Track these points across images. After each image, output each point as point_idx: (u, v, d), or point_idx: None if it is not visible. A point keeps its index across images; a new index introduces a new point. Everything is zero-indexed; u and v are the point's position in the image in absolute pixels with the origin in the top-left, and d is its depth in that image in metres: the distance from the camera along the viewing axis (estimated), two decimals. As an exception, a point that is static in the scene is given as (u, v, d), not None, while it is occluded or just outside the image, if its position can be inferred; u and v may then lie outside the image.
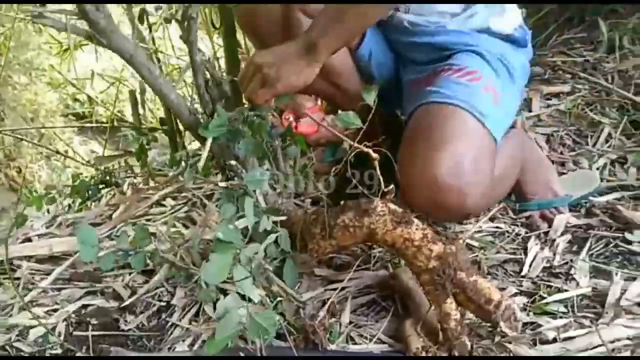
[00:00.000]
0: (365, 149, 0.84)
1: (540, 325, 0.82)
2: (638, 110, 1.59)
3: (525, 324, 0.83)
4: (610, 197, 1.25)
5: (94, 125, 4.97)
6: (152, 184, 1.35)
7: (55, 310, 0.82)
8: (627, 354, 0.76)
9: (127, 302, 0.84)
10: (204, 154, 0.91)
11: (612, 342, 0.77)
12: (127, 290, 0.86)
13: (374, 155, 0.84)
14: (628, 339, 0.78)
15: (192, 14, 0.92)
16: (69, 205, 1.32)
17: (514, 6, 1.19)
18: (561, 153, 1.49)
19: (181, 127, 2.15)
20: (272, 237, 0.85)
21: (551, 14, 2.14)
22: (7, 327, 0.78)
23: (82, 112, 6.74)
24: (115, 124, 3.69)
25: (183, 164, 1.33)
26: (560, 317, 0.84)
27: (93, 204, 1.33)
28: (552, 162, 1.40)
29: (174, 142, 2.39)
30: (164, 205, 1.12)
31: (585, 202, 1.22)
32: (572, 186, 1.26)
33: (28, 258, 0.92)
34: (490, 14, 1.13)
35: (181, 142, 2.78)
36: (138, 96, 2.39)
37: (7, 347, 0.78)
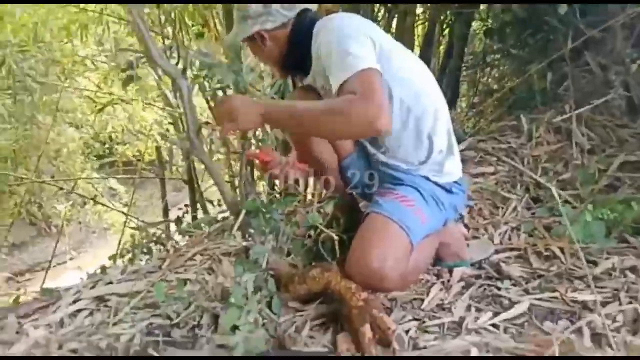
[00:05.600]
0: (331, 234, 1.42)
1: (417, 338, 1.36)
2: (540, 188, 2.15)
3: (411, 338, 1.37)
4: (501, 255, 1.79)
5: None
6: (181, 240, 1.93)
7: (134, 325, 1.39)
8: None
9: (175, 321, 1.41)
10: (237, 223, 1.50)
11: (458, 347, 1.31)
12: (174, 314, 1.43)
13: (336, 237, 1.42)
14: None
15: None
16: (130, 259, 1.91)
17: (454, 171, 1.65)
18: (477, 221, 2.04)
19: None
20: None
21: (490, 105, 2.72)
22: (107, 334, 1.35)
23: (102, 151, 7.34)
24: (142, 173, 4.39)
25: (206, 228, 1.93)
26: (433, 334, 1.37)
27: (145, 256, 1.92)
28: (469, 228, 1.96)
29: (192, 189, 3.30)
30: (194, 260, 1.71)
31: (481, 262, 1.74)
32: (476, 251, 1.77)
33: (114, 294, 1.50)
34: (432, 171, 1.60)
35: (198, 189, 3.62)
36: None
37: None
